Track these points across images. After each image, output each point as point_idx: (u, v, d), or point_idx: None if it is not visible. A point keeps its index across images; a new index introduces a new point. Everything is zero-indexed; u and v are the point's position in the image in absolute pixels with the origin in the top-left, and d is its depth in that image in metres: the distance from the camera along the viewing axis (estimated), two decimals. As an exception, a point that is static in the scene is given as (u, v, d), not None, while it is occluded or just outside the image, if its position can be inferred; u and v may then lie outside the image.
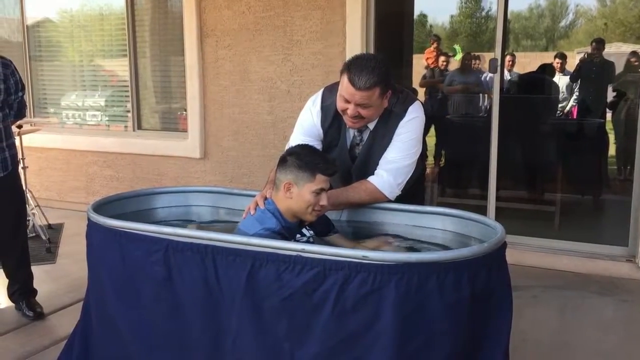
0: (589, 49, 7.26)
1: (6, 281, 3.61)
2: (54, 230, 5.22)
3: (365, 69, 2.22)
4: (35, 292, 3.63)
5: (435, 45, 7.88)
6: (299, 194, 2.13)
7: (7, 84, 3.35)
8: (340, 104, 2.34)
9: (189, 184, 5.15)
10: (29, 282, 3.61)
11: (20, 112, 3.55)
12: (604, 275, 4.14)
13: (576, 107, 7.38)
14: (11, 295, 3.60)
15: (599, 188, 5.81)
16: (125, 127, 5.93)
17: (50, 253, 4.65)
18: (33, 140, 5.49)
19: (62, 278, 4.12)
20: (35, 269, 3.75)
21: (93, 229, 2.33)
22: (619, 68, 6.91)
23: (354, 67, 2.25)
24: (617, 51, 8.93)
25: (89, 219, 2.34)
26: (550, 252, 4.35)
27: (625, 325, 3.46)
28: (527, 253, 4.36)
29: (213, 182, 5.28)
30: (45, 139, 5.86)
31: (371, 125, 2.43)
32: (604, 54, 6.85)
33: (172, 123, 5.79)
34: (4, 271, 3.61)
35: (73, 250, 4.52)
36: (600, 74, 6.71)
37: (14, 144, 3.48)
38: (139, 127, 5.83)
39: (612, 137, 6.49)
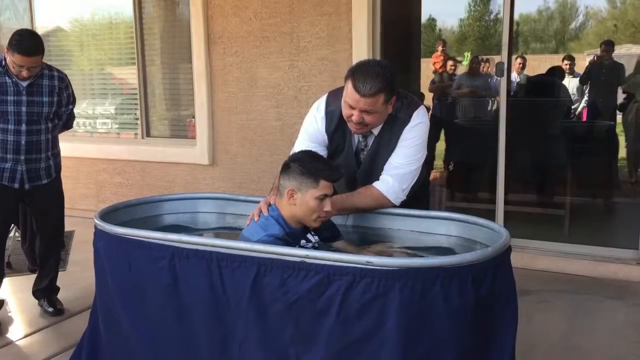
0: (598, 51, 7.21)
1: (13, 287, 3.67)
2: (65, 237, 5.22)
3: (370, 75, 2.22)
4: (57, 289, 3.79)
5: (441, 49, 7.87)
6: (303, 201, 2.13)
7: (61, 97, 3.50)
8: (345, 110, 2.34)
9: (197, 191, 5.17)
10: (54, 280, 3.78)
11: (68, 123, 3.71)
12: (615, 278, 4.11)
13: (586, 109, 7.33)
14: (35, 291, 3.74)
15: (610, 191, 5.77)
16: (135, 134, 5.97)
17: (60, 260, 4.67)
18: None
19: (72, 285, 4.14)
20: (46, 277, 3.80)
21: (100, 236, 2.34)
22: (630, 69, 6.86)
23: (358, 73, 2.25)
24: (627, 52, 8.87)
25: (95, 227, 2.36)
26: (560, 255, 4.32)
27: (637, 329, 3.43)
28: (537, 257, 4.33)
29: (222, 188, 5.30)
30: None
31: (376, 131, 2.43)
32: (614, 55, 6.80)
33: (181, 130, 5.82)
34: (40, 270, 3.75)
35: (83, 258, 4.54)
36: (610, 76, 6.66)
37: (59, 152, 3.64)
38: (148, 135, 5.87)
39: (622, 140, 6.44)
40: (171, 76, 5.78)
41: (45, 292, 3.73)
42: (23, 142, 3.36)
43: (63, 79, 3.52)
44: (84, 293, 3.85)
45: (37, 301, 3.75)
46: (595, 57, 6.95)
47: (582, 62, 8.81)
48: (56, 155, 3.60)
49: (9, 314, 3.70)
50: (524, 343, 2.51)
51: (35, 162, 3.44)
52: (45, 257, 3.73)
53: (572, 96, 7.39)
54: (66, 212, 5.85)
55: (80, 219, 5.70)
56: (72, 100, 3.62)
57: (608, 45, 6.63)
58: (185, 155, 5.52)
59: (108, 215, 2.46)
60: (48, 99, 3.42)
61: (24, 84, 3.31)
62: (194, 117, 5.47)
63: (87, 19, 6.15)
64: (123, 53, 5.99)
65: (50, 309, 3.67)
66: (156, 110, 5.91)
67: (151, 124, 5.89)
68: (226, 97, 5.24)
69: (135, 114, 5.91)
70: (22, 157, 3.38)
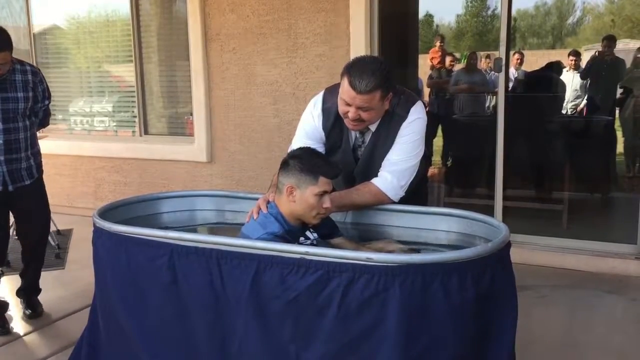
0: (596, 46, 7.18)
1: (12, 285, 3.66)
2: (63, 236, 5.25)
3: (366, 72, 2.22)
4: (39, 290, 3.74)
5: (439, 44, 7.87)
6: (302, 197, 2.13)
7: (35, 92, 3.41)
8: (341, 107, 2.34)
9: (196, 188, 5.16)
10: (36, 281, 3.72)
11: (44, 120, 3.63)
12: (613, 273, 4.12)
13: (586, 104, 7.34)
14: (17, 292, 3.71)
15: (608, 186, 5.78)
16: (133, 132, 5.96)
17: (59, 259, 4.69)
18: (41, 146, 5.52)
19: (71, 283, 4.15)
20: (45, 275, 3.82)
21: (99, 234, 2.34)
22: (627, 64, 6.86)
23: (354, 70, 2.24)
24: (624, 47, 8.87)
25: (94, 225, 2.36)
26: (558, 251, 4.33)
27: (635, 324, 3.44)
28: (535, 252, 4.34)
29: (220, 185, 5.30)
30: (53, 146, 5.90)
31: (373, 127, 2.43)
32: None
33: (179, 127, 5.82)
34: (22, 270, 3.70)
35: (82, 256, 4.54)
36: (611, 72, 6.65)
37: (39, 151, 3.55)
38: (146, 132, 5.86)
39: (619, 134, 6.45)
40: (168, 73, 5.77)
41: (27, 292, 3.67)
42: (1, 142, 3.26)
43: (37, 73, 3.43)
44: (83, 291, 3.85)
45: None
46: (597, 53, 6.92)
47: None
48: (36, 154, 3.50)
49: (9, 313, 3.69)
50: (523, 338, 2.52)
51: (15, 162, 3.34)
52: (29, 259, 3.65)
53: (575, 92, 7.38)
54: (64, 210, 5.92)
55: (79, 217, 5.72)
56: (47, 96, 3.52)
57: (610, 41, 6.60)
58: (184, 152, 5.52)
59: (107, 213, 2.45)
60: (23, 94, 3.31)
61: None
62: (191, 114, 5.47)
63: (83, 16, 6.13)
64: (120, 50, 5.97)
65: (28, 311, 3.61)
66: (154, 108, 5.90)
67: (149, 122, 5.88)
68: (224, 94, 5.23)
69: (133, 111, 5.90)
70: (2, 158, 3.28)
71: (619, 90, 6.68)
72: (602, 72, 6.73)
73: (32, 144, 3.46)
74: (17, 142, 3.33)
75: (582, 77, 7.24)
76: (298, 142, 2.49)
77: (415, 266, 1.79)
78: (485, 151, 4.87)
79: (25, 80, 3.34)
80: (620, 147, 6.44)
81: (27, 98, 3.35)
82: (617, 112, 6.73)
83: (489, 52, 8.67)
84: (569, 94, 7.26)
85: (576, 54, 7.70)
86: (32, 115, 3.44)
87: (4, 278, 4.08)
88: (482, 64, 8.56)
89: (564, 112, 7.16)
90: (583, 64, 7.62)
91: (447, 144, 6.85)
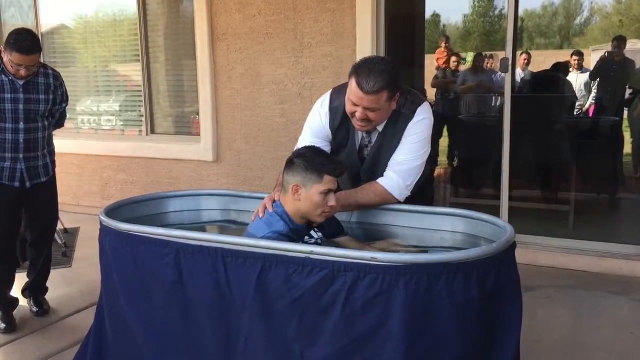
0: (604, 46, 7.14)
1: (19, 283, 3.69)
2: (70, 234, 5.28)
3: (373, 73, 2.22)
4: (46, 289, 3.78)
5: (444, 45, 7.86)
6: (307, 196, 2.14)
7: (56, 95, 3.51)
8: (348, 107, 2.34)
9: (202, 187, 5.18)
10: (44, 280, 3.76)
11: (60, 122, 3.72)
12: (618, 274, 4.10)
13: (594, 105, 7.30)
14: (24, 290, 3.74)
15: (614, 187, 5.75)
16: (140, 131, 5.98)
17: (66, 257, 4.71)
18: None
19: (77, 282, 4.17)
20: (52, 273, 3.83)
21: (105, 233, 2.36)
22: (636, 65, 6.82)
23: (362, 70, 2.25)
24: (632, 48, 8.82)
25: (101, 223, 2.37)
26: (564, 251, 4.32)
27: (641, 325, 3.43)
28: (541, 253, 4.33)
29: (226, 185, 5.31)
30: (60, 144, 5.82)
31: (380, 127, 2.43)
32: (620, 51, 6.75)
33: (185, 127, 5.83)
34: (29, 268, 3.74)
35: (89, 254, 4.57)
36: (620, 73, 6.62)
37: (54, 150, 3.66)
38: (153, 132, 5.88)
39: (627, 135, 6.42)
40: (175, 73, 5.79)
41: (34, 290, 3.72)
42: (21, 141, 3.37)
43: (57, 77, 3.54)
44: (90, 289, 3.87)
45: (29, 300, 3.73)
46: (607, 53, 6.89)
47: (587, 58, 8.77)
48: (52, 152, 3.62)
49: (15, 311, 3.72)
50: (528, 339, 2.52)
51: (33, 160, 3.45)
52: (37, 256, 3.69)
53: (580, 92, 7.35)
54: (71, 208, 5.95)
55: (85, 215, 5.75)
56: (65, 99, 3.63)
57: (620, 41, 6.57)
58: (190, 152, 5.53)
59: (113, 211, 2.47)
60: (44, 97, 3.43)
61: (21, 82, 3.32)
62: (198, 114, 5.48)
63: (91, 16, 6.15)
64: (127, 50, 6.00)
65: (35, 309, 3.66)
66: (160, 107, 5.92)
67: (155, 121, 5.90)
68: (230, 94, 5.25)
69: (140, 110, 5.92)
70: (21, 156, 3.39)
71: (628, 91, 6.65)
72: (611, 72, 6.69)
73: (49, 142, 3.58)
74: (35, 141, 3.44)
75: (591, 78, 7.20)
76: (305, 141, 2.50)
77: (420, 266, 1.79)
78: (491, 151, 4.86)
79: (47, 84, 3.45)
80: (627, 148, 6.41)
81: (48, 100, 3.46)
82: (625, 112, 6.70)
83: (491, 53, 8.65)
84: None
85: (579, 54, 7.67)
86: (49, 116, 3.54)
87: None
88: (486, 64, 8.54)
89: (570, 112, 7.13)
90: (586, 64, 7.58)
91: (453, 144, 6.83)
